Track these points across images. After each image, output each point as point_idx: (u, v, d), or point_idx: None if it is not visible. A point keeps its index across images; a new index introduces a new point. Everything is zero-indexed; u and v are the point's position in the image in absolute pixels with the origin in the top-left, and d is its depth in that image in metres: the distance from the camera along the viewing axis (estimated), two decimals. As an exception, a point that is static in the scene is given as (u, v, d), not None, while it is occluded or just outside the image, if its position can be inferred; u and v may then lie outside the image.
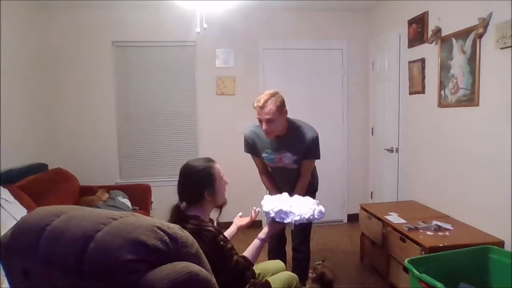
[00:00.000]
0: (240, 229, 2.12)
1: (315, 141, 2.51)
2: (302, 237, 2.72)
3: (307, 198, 2.16)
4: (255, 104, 2.39)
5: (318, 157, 2.59)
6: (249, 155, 2.75)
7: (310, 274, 2.37)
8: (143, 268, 0.91)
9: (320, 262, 2.44)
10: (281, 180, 2.73)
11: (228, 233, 2.07)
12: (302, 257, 2.76)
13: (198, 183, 1.72)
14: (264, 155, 2.61)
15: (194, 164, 1.76)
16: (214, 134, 4.44)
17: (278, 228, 2.05)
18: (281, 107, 2.38)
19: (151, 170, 4.47)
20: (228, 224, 2.10)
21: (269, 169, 2.74)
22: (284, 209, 1.97)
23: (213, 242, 1.62)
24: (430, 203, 3.36)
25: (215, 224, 1.88)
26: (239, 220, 2.15)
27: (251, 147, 2.65)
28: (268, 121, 2.36)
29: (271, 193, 2.74)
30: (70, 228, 1.03)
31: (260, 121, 2.41)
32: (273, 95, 2.39)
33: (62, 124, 4.26)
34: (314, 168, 2.79)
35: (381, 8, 4.30)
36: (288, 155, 2.52)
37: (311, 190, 2.70)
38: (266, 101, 2.35)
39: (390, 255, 2.93)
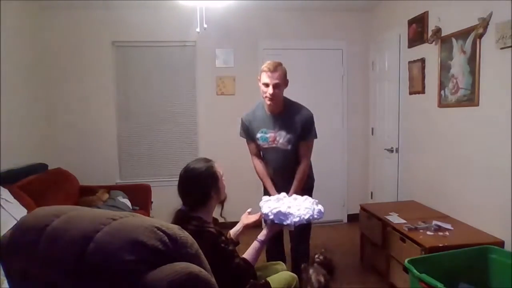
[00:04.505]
0: (246, 227, 2.10)
1: (310, 120, 2.56)
2: (302, 237, 2.70)
3: (306, 197, 2.15)
4: (265, 67, 2.44)
5: (315, 136, 2.62)
6: (249, 155, 2.74)
7: (316, 258, 2.35)
8: (142, 269, 0.91)
9: (324, 250, 2.46)
10: (274, 163, 2.66)
11: (233, 231, 2.07)
12: (302, 258, 2.75)
13: (204, 184, 1.74)
14: (259, 135, 2.60)
15: (196, 166, 1.77)
16: (214, 134, 4.44)
17: (277, 229, 2.05)
18: (286, 76, 2.50)
19: (151, 170, 4.47)
20: (233, 224, 2.10)
21: (263, 154, 2.69)
22: (283, 210, 1.96)
23: (214, 244, 1.63)
24: (430, 203, 3.36)
25: (219, 221, 1.89)
26: (246, 218, 2.12)
27: (246, 128, 2.66)
28: (275, 86, 2.42)
29: (263, 181, 2.71)
30: (70, 228, 1.03)
31: (266, 85, 2.44)
32: (280, 63, 2.49)
33: (62, 124, 4.26)
34: (310, 167, 2.76)
35: (381, 8, 4.30)
36: (283, 133, 2.54)
37: (306, 189, 2.64)
38: (276, 66, 2.43)
39: (390, 255, 2.93)
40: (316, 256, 2.29)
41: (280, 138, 2.55)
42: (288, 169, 2.60)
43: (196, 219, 1.69)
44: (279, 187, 2.61)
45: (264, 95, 2.47)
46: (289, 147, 2.56)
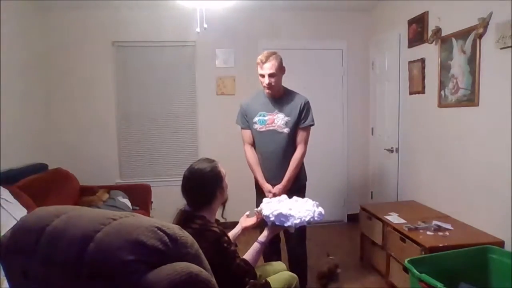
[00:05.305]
0: (245, 230, 2.10)
1: (307, 105, 2.67)
2: (298, 239, 2.69)
3: (307, 199, 2.16)
4: (259, 59, 2.55)
5: (312, 122, 2.68)
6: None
7: (338, 271, 2.44)
8: (143, 269, 0.91)
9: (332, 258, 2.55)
10: (269, 147, 2.64)
11: (232, 233, 2.07)
12: (300, 259, 2.76)
13: (209, 185, 1.76)
14: (256, 118, 2.65)
15: (201, 166, 1.78)
16: (214, 134, 4.44)
17: (278, 231, 2.06)
18: (281, 64, 2.59)
19: (151, 170, 4.46)
20: (232, 224, 2.10)
21: (258, 138, 2.68)
22: (284, 212, 1.97)
23: (216, 243, 1.63)
24: (430, 203, 3.36)
25: (219, 221, 1.90)
26: (245, 221, 2.12)
27: (245, 113, 2.71)
28: (271, 76, 2.52)
29: (253, 169, 2.72)
30: (70, 228, 1.03)
31: (262, 76, 2.55)
32: (274, 52, 2.58)
33: (62, 124, 4.26)
34: (303, 166, 2.76)
35: (381, 8, 4.30)
36: (281, 116, 2.61)
37: (298, 188, 2.64)
38: (269, 57, 2.52)
39: (390, 255, 2.93)
40: (338, 269, 2.36)
41: (278, 120, 2.61)
42: (282, 155, 2.62)
43: (200, 218, 1.70)
44: (271, 174, 2.63)
45: (263, 85, 2.59)
46: (285, 130, 2.60)
